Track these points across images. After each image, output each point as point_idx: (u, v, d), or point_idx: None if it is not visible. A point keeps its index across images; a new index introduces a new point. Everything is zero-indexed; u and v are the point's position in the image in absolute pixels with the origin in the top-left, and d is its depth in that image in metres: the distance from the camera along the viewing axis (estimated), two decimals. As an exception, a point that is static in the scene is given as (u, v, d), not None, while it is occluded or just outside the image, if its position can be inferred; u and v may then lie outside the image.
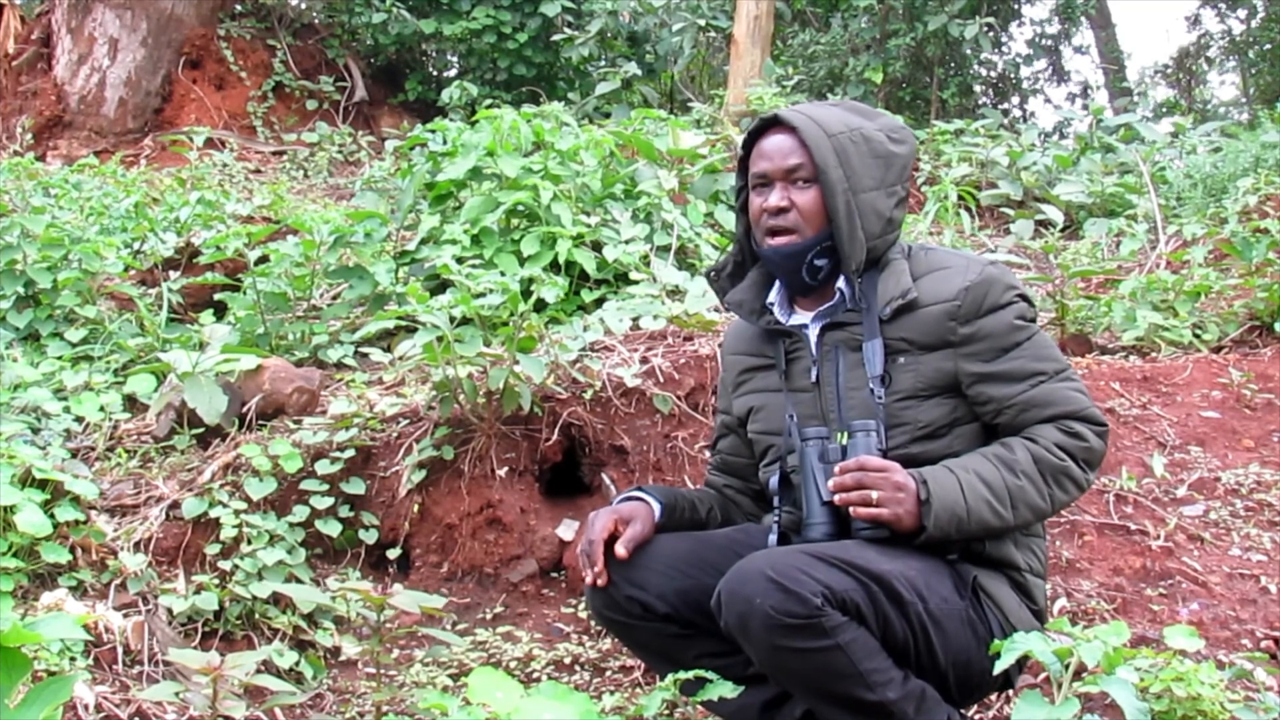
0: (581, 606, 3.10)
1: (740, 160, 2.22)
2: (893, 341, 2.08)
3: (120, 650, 2.67)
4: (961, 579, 2.03)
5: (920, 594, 1.94)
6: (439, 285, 4.03)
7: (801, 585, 1.83)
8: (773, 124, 2.15)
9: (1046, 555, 2.20)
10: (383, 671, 2.61)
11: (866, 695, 1.88)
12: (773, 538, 2.13)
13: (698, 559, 2.15)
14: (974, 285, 2.07)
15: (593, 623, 2.98)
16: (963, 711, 2.32)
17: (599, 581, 2.10)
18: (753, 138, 2.19)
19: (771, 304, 2.22)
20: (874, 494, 1.95)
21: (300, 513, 3.14)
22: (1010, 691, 2.52)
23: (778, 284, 2.23)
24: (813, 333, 2.17)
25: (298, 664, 2.80)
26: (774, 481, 2.16)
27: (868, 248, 2.09)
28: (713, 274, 2.30)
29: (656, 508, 2.20)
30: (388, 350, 3.98)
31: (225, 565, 2.95)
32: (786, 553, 1.93)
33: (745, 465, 2.36)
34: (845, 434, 2.05)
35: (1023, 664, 2.13)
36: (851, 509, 1.97)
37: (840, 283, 2.14)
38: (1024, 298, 2.12)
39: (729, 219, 4.96)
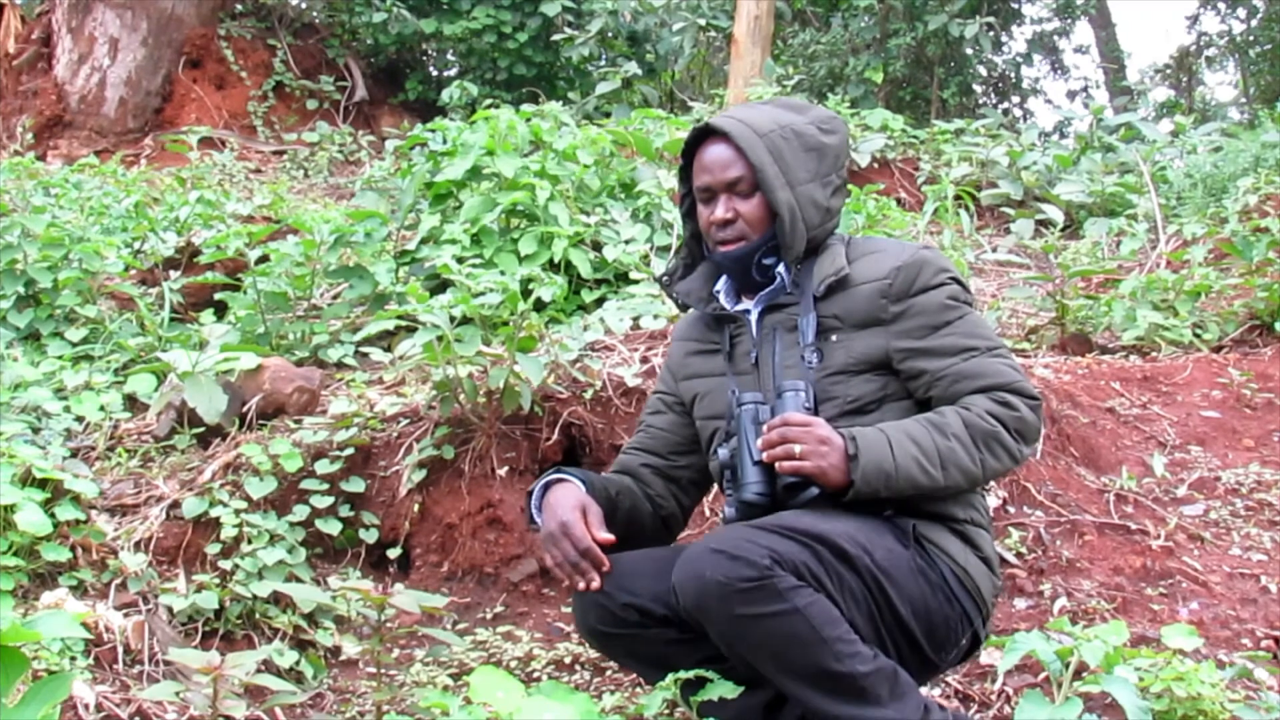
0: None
1: (681, 168, 2.30)
2: (826, 319, 2.15)
3: (120, 650, 2.67)
4: (901, 530, 2.05)
5: (865, 548, 1.96)
6: (439, 285, 4.03)
7: (748, 551, 1.86)
8: (707, 133, 2.23)
9: (989, 512, 2.21)
10: (383, 671, 2.61)
11: (834, 665, 1.87)
12: (729, 511, 2.12)
13: (677, 558, 2.14)
14: (906, 265, 2.13)
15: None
16: (948, 706, 2.32)
17: (593, 585, 2.09)
18: (690, 148, 2.26)
19: (718, 291, 2.29)
20: (797, 448, 1.98)
21: (300, 512, 3.14)
22: (1009, 690, 2.52)
23: (730, 279, 2.30)
24: (754, 317, 2.24)
25: (298, 664, 2.80)
26: (724, 455, 2.16)
27: (808, 237, 2.18)
28: (665, 279, 2.37)
29: (578, 483, 2.19)
30: (388, 350, 3.98)
31: (225, 565, 2.95)
32: (728, 529, 1.98)
33: (673, 442, 2.37)
34: (776, 395, 2.10)
35: (987, 617, 2.13)
36: (778, 464, 2.00)
37: (779, 268, 2.21)
38: (957, 281, 2.16)
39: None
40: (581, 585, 2.10)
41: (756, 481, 2.06)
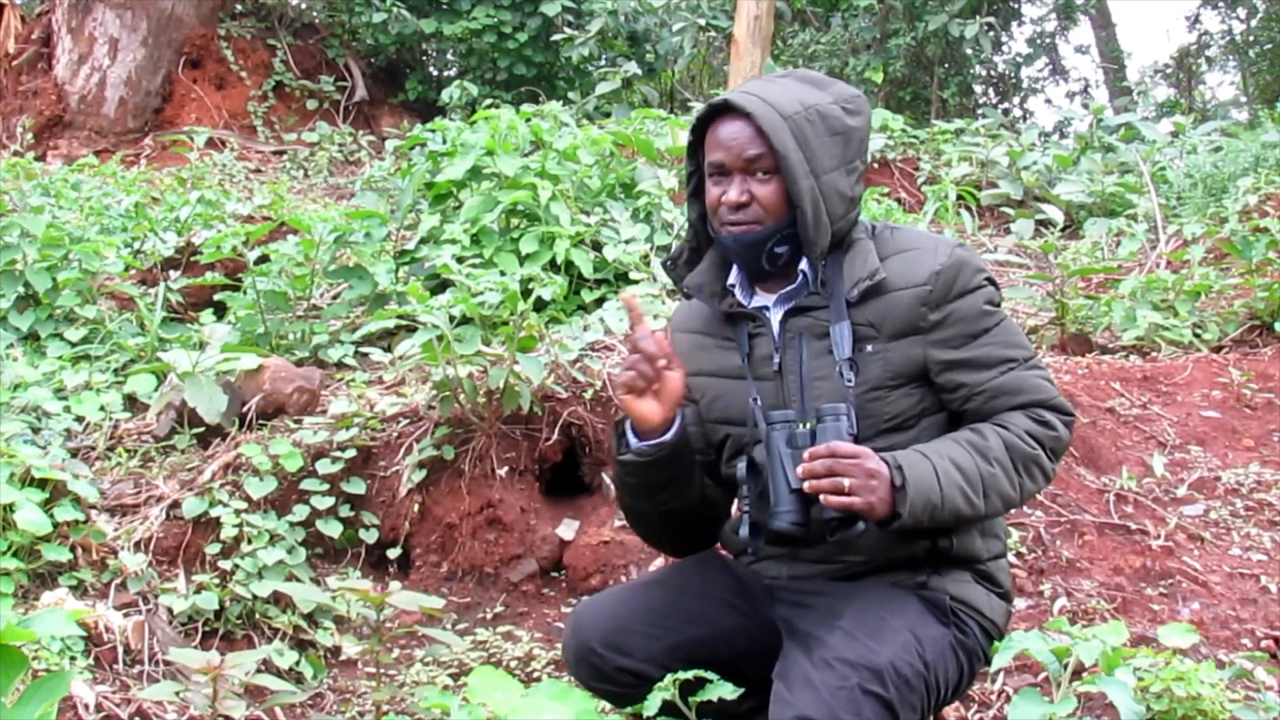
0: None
1: (690, 144, 2.12)
2: (860, 326, 2.01)
3: (120, 650, 2.67)
4: (938, 608, 1.99)
5: (921, 657, 1.89)
6: (439, 285, 4.03)
7: None
8: (724, 110, 2.04)
9: (1005, 530, 2.15)
10: (383, 671, 2.61)
11: None
12: (744, 531, 2.03)
13: (676, 609, 2.08)
14: (945, 269, 2.01)
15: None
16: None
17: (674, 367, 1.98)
18: (702, 123, 2.07)
19: (733, 285, 2.12)
20: (846, 481, 1.86)
21: (300, 512, 3.14)
22: (1009, 690, 2.52)
23: (736, 266, 2.14)
24: (775, 317, 2.09)
25: (298, 664, 2.80)
26: (742, 469, 2.05)
27: (832, 231, 2.02)
28: (669, 263, 2.20)
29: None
30: (388, 350, 3.98)
31: (225, 565, 2.95)
32: (830, 692, 1.83)
33: (698, 435, 2.18)
34: (815, 419, 1.96)
35: (993, 638, 2.09)
36: (822, 497, 1.88)
37: (803, 264, 2.06)
38: (991, 281, 2.07)
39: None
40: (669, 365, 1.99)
41: (791, 510, 1.93)
